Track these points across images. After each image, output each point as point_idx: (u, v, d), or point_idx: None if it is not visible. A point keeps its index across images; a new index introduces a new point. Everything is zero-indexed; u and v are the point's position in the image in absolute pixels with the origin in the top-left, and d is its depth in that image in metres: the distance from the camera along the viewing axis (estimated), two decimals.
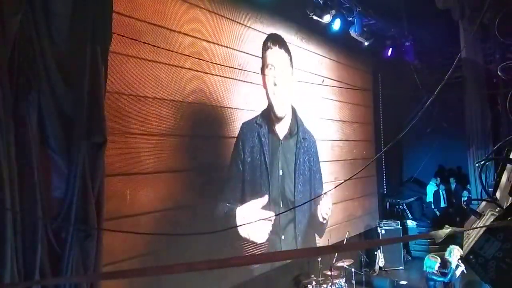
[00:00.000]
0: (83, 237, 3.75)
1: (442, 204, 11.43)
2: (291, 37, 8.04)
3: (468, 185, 10.24)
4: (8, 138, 3.32)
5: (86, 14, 3.95)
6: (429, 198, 11.60)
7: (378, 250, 9.83)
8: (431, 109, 9.74)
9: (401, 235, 10.28)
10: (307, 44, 8.55)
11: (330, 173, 9.08)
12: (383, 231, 10.15)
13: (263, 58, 7.27)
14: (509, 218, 2.53)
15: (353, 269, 8.00)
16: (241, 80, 6.78)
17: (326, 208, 8.61)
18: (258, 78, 7.19)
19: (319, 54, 8.98)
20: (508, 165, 3.04)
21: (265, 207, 6.91)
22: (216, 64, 6.24)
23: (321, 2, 7.29)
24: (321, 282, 7.41)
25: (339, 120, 9.69)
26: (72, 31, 3.91)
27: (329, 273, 7.44)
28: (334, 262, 7.82)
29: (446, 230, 1.87)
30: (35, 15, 3.59)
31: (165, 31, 5.41)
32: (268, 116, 7.30)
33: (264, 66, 7.27)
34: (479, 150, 8.82)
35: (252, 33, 7.10)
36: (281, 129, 7.59)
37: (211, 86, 6.16)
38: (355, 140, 10.37)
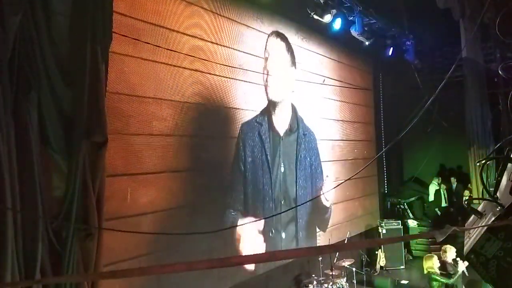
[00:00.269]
0: (84, 236, 3.75)
1: (443, 204, 11.41)
2: (291, 37, 8.04)
3: (469, 185, 10.23)
4: (8, 138, 3.32)
5: (86, 14, 3.95)
6: (431, 197, 11.59)
7: (379, 250, 9.82)
8: (431, 108, 9.73)
9: (402, 235, 10.27)
10: (307, 44, 8.55)
11: (331, 173, 9.07)
12: (384, 231, 10.14)
13: (265, 50, 7.31)
14: (510, 217, 2.52)
15: (354, 269, 8.00)
16: (242, 80, 6.78)
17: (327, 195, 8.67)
18: (259, 78, 7.19)
19: (319, 54, 8.97)
20: (509, 164, 3.03)
21: (261, 232, 6.90)
22: (217, 63, 6.24)
23: (322, 1, 7.28)
24: (322, 281, 7.40)
25: (340, 120, 9.68)
26: (72, 31, 3.91)
27: (330, 272, 7.44)
28: (335, 261, 7.81)
29: (447, 229, 1.87)
30: (35, 15, 3.59)
31: (165, 31, 5.41)
32: (268, 113, 7.31)
33: (264, 56, 7.32)
34: (480, 149, 8.81)
35: (252, 33, 7.10)
36: (281, 125, 7.59)
37: (212, 86, 6.16)
38: (356, 140, 10.36)
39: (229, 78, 6.53)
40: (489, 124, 9.06)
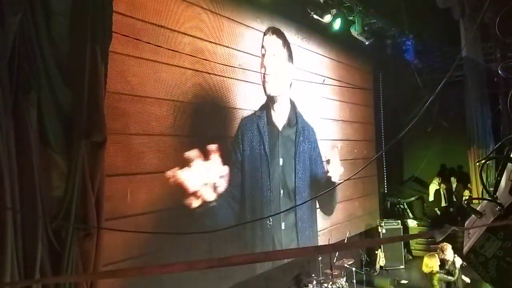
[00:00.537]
0: (83, 236, 3.75)
1: (443, 203, 11.42)
2: (291, 37, 8.04)
3: (469, 184, 10.23)
4: (8, 138, 3.32)
5: (86, 14, 3.95)
6: (431, 197, 11.59)
7: (379, 249, 9.82)
8: (431, 108, 9.73)
9: (401, 235, 10.27)
10: (307, 44, 8.55)
11: (331, 173, 9.07)
12: (383, 231, 10.14)
13: (261, 46, 7.32)
14: (510, 217, 2.52)
15: (353, 268, 8.00)
16: (242, 80, 6.78)
17: (336, 168, 8.72)
18: (259, 78, 7.20)
19: (319, 54, 8.97)
20: (509, 164, 3.03)
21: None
22: (217, 63, 6.24)
23: (322, 1, 7.28)
24: (321, 281, 7.41)
25: (339, 120, 9.68)
26: (72, 31, 3.91)
27: (329, 272, 7.44)
28: (334, 261, 7.81)
29: (447, 229, 1.87)
30: (34, 15, 3.59)
31: (165, 31, 5.41)
32: (267, 108, 7.33)
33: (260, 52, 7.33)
34: (480, 149, 8.82)
35: (252, 32, 7.10)
36: (279, 119, 7.62)
37: (212, 86, 6.16)
38: (356, 140, 10.36)
39: (229, 78, 6.53)
40: (489, 124, 9.07)
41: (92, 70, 3.92)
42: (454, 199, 11.33)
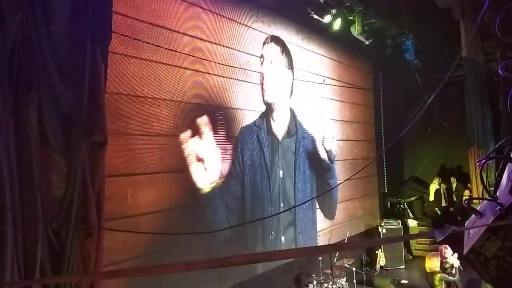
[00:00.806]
0: (83, 236, 3.75)
1: (443, 203, 11.42)
2: (291, 37, 8.03)
3: (469, 184, 10.23)
4: (8, 138, 3.32)
5: (86, 14, 3.95)
6: (431, 197, 11.59)
7: (379, 249, 9.82)
8: (432, 108, 9.73)
9: (402, 234, 10.26)
10: (307, 44, 8.55)
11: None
12: (384, 230, 10.14)
13: (260, 55, 7.31)
14: (510, 217, 2.51)
15: (354, 268, 8.00)
16: (242, 80, 6.78)
17: (329, 141, 8.74)
18: (259, 78, 7.19)
19: (319, 54, 8.97)
20: (509, 164, 3.02)
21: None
22: (217, 63, 6.24)
23: (322, 1, 7.28)
24: (322, 281, 7.41)
25: (340, 120, 9.68)
26: (72, 31, 3.91)
27: (330, 272, 7.44)
28: (335, 261, 7.81)
29: (447, 229, 1.87)
30: (34, 15, 3.59)
31: (165, 31, 5.41)
32: (266, 117, 7.31)
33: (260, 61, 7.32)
34: (480, 149, 8.80)
35: (252, 33, 7.10)
36: (279, 128, 7.60)
37: (212, 86, 6.16)
38: (356, 140, 10.36)
39: (230, 78, 6.53)
40: (489, 124, 9.06)
41: (92, 70, 3.92)
42: (454, 199, 11.33)
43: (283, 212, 7.35)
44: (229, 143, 6.45)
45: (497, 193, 2.94)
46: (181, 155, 5.59)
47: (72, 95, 3.86)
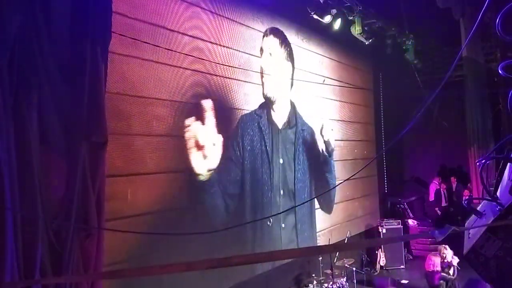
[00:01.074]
0: (84, 236, 3.75)
1: (443, 203, 11.42)
2: (291, 37, 8.03)
3: (469, 184, 10.23)
4: (8, 138, 3.32)
5: (86, 14, 3.95)
6: (431, 197, 11.60)
7: (379, 249, 9.82)
8: (432, 108, 9.72)
9: (402, 234, 10.26)
10: (307, 44, 8.54)
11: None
12: (384, 230, 10.14)
13: (260, 48, 7.32)
14: (510, 217, 2.52)
15: (354, 268, 8.00)
16: (242, 80, 6.78)
17: (327, 132, 8.77)
18: (259, 78, 7.19)
19: (319, 54, 8.97)
20: (509, 164, 3.02)
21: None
22: (217, 63, 6.24)
23: (322, 1, 7.28)
24: (322, 281, 7.41)
25: (340, 120, 9.68)
26: (72, 31, 3.90)
27: (330, 272, 7.44)
28: (335, 261, 7.81)
29: (447, 229, 1.87)
30: (34, 15, 3.59)
31: (166, 31, 5.41)
32: (267, 107, 7.32)
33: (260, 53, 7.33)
34: (480, 149, 8.81)
35: (252, 33, 7.10)
36: (279, 119, 7.60)
37: (212, 86, 6.16)
38: (356, 140, 10.36)
39: (230, 78, 6.53)
40: (490, 124, 9.06)
41: (92, 70, 3.92)
42: (454, 199, 11.34)
43: (282, 212, 7.34)
44: (229, 135, 6.44)
45: (497, 193, 2.94)
46: (181, 154, 5.59)
47: (72, 95, 3.85)
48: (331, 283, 7.32)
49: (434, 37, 10.65)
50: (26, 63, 3.51)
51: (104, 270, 4.04)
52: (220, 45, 6.33)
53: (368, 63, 11.05)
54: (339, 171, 9.33)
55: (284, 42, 7.85)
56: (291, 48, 7.99)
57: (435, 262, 6.85)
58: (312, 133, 8.51)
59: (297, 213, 7.73)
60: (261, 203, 6.95)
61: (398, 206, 11.51)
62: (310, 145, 8.39)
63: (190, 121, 5.73)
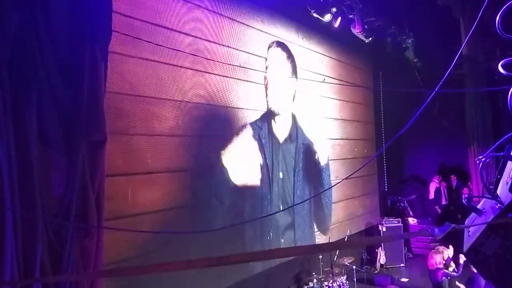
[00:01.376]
0: (83, 235, 3.75)
1: (443, 202, 11.43)
2: (291, 36, 8.02)
3: (469, 182, 10.23)
4: (8, 138, 3.32)
5: (86, 13, 3.94)
6: (431, 195, 11.60)
7: (379, 248, 9.83)
8: (432, 106, 9.71)
9: (402, 233, 10.27)
10: (308, 43, 8.54)
11: (331, 172, 9.07)
12: (384, 229, 10.15)
13: (265, 60, 7.32)
14: (510, 215, 2.51)
15: (354, 267, 8.01)
16: (243, 80, 6.77)
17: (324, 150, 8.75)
18: (259, 78, 7.19)
19: (319, 53, 8.96)
20: (509, 162, 3.02)
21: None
22: (218, 62, 6.23)
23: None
24: (322, 279, 7.42)
25: (340, 119, 9.68)
26: (72, 30, 3.90)
27: (330, 270, 7.44)
28: (335, 259, 7.82)
29: (447, 227, 1.86)
30: (34, 14, 3.59)
31: (166, 30, 5.40)
32: (268, 118, 7.30)
33: (264, 65, 7.31)
34: (480, 147, 8.80)
35: (253, 32, 7.09)
36: (281, 132, 7.58)
37: (212, 85, 6.15)
38: (356, 138, 10.36)
39: (231, 77, 6.52)
40: (490, 122, 9.06)
41: (92, 69, 3.92)
42: (454, 197, 11.34)
43: (281, 211, 7.34)
44: (229, 141, 6.44)
45: (497, 191, 2.94)
46: (182, 154, 5.58)
47: (72, 94, 3.85)
48: (331, 281, 7.33)
49: (434, 36, 10.64)
50: (25, 63, 3.51)
51: (103, 269, 4.05)
52: (220, 44, 6.32)
53: (368, 62, 11.04)
54: (339, 170, 9.33)
55: (290, 57, 7.86)
56: (295, 63, 7.99)
57: (437, 260, 6.86)
58: (311, 147, 8.47)
59: (296, 230, 7.69)
60: (260, 215, 6.90)
61: (398, 204, 11.52)
62: (309, 159, 8.34)
63: (190, 121, 5.73)
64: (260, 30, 7.28)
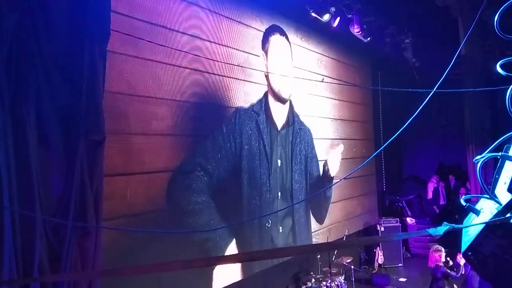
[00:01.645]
0: (82, 235, 3.74)
1: (442, 201, 11.45)
2: (290, 36, 8.03)
3: (467, 182, 10.25)
4: (6, 137, 3.31)
5: (84, 13, 3.94)
6: (429, 195, 11.62)
7: (378, 247, 9.84)
8: (430, 106, 9.72)
9: (400, 232, 10.29)
10: (306, 43, 8.54)
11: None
12: (382, 229, 10.16)
13: (265, 44, 7.31)
14: (507, 215, 2.52)
15: (352, 266, 8.01)
16: (241, 79, 6.77)
17: (334, 162, 8.82)
18: (258, 77, 7.19)
19: (318, 53, 8.97)
20: (507, 162, 3.03)
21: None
22: (216, 61, 6.22)
23: None
24: (320, 279, 7.42)
25: (338, 119, 9.68)
26: (70, 30, 3.89)
27: (328, 270, 7.45)
28: (333, 259, 7.82)
29: (445, 227, 1.87)
30: (32, 13, 3.58)
31: (165, 30, 5.39)
32: (266, 105, 7.29)
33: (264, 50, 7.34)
34: (478, 147, 8.82)
35: (251, 32, 7.09)
36: (278, 118, 7.57)
37: (211, 85, 6.14)
38: (355, 138, 10.37)
39: (229, 77, 6.51)
40: (488, 122, 9.08)
41: (90, 68, 3.91)
42: (452, 197, 11.36)
43: (280, 210, 7.34)
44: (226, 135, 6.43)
45: (495, 191, 2.95)
46: (181, 154, 5.58)
47: (71, 94, 3.84)
48: (329, 281, 7.34)
49: (432, 35, 10.65)
50: (24, 62, 3.50)
51: (102, 268, 4.04)
52: (219, 44, 6.32)
53: (366, 62, 11.05)
54: (338, 170, 9.33)
55: (288, 41, 7.87)
56: (291, 47, 8.01)
57: (436, 258, 6.88)
58: (309, 132, 8.50)
59: (294, 215, 7.71)
60: (259, 203, 6.93)
61: (396, 204, 11.54)
62: (306, 142, 8.37)
63: (189, 120, 5.72)
64: (259, 30, 7.28)
